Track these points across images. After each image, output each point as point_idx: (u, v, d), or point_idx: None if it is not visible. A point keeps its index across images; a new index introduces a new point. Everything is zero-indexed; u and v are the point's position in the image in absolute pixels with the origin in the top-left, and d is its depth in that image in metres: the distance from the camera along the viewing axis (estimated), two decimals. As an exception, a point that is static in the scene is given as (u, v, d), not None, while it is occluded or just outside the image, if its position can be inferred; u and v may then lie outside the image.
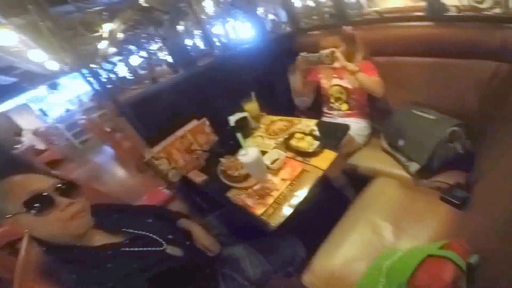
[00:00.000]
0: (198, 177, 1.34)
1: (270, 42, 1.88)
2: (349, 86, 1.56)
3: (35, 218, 0.69)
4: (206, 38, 2.97)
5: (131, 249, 0.82)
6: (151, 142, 1.34)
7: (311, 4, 1.91)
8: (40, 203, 0.69)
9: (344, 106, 1.62)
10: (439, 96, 1.32)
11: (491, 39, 1.07)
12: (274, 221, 0.96)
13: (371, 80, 1.43)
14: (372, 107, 1.67)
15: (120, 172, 4.17)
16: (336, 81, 1.61)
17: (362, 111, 1.64)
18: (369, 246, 1.06)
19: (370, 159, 1.50)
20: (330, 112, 1.70)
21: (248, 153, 0.99)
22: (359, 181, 1.46)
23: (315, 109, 1.92)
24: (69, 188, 0.76)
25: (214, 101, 1.59)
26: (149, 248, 0.85)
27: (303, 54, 1.49)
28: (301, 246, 1.14)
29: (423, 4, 1.30)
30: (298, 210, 0.99)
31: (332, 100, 1.65)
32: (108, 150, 4.78)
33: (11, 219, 0.69)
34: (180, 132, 1.38)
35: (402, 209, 1.16)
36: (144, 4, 1.42)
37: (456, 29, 1.20)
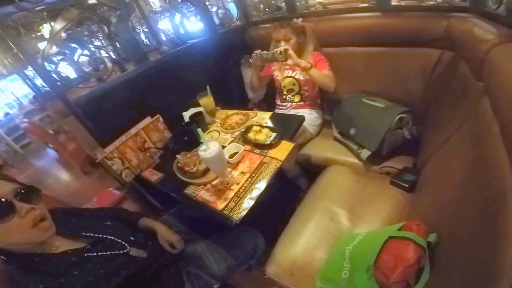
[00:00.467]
0: (154, 176, 1.26)
1: (221, 36, 1.83)
2: (301, 77, 1.59)
3: None
4: (153, 33, 2.83)
5: (95, 253, 0.79)
6: (104, 142, 1.23)
7: None
8: (0, 209, 0.64)
9: (297, 98, 1.65)
10: (387, 85, 1.40)
11: (435, 28, 1.14)
12: (236, 215, 0.94)
13: (323, 75, 1.47)
14: (322, 98, 1.72)
15: (65, 175, 4.02)
16: (288, 72, 1.63)
17: (314, 102, 1.68)
18: (327, 233, 1.08)
19: (322, 149, 1.54)
20: (283, 104, 1.72)
21: (210, 148, 0.95)
22: (311, 170, 1.51)
23: (267, 102, 1.94)
24: (29, 193, 0.70)
25: (166, 97, 1.51)
26: (112, 252, 0.82)
27: (257, 51, 1.49)
28: (260, 238, 1.14)
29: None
30: (257, 202, 0.98)
31: (285, 92, 1.67)
32: (52, 153, 4.64)
33: None
34: (133, 130, 1.28)
35: (356, 195, 1.20)
36: (92, 1, 1.29)
37: (402, 18, 1.27)
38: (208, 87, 1.41)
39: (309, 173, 1.56)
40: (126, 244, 0.87)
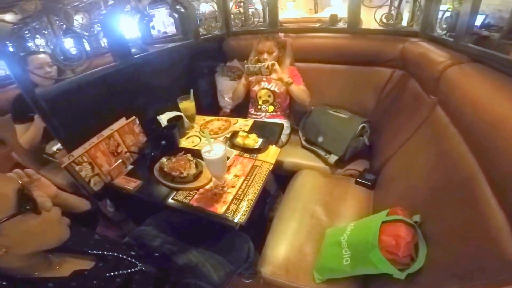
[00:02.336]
0: (131, 183, 1.13)
1: (200, 42, 1.82)
2: (276, 90, 1.71)
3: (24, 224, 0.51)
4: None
5: (111, 273, 0.67)
6: (71, 144, 1.04)
7: (251, 10, 1.98)
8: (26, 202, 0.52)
9: (271, 108, 1.75)
10: (346, 98, 1.64)
11: (392, 50, 1.41)
12: (241, 218, 0.94)
13: (301, 90, 1.61)
14: (291, 109, 1.88)
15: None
16: (264, 84, 1.73)
17: (285, 112, 1.81)
18: (311, 229, 1.17)
19: (292, 155, 1.66)
20: (257, 113, 1.80)
21: (214, 150, 0.93)
22: (280, 175, 1.62)
23: (237, 110, 1.99)
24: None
25: (141, 99, 1.39)
26: (126, 270, 0.71)
27: (246, 64, 1.55)
28: (250, 242, 1.15)
29: (317, 16, 1.62)
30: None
31: (260, 102, 1.76)
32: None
33: None
34: (106, 132, 1.13)
35: (328, 194, 1.34)
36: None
37: (367, 40, 1.52)
38: (192, 90, 1.37)
39: (277, 178, 1.67)
40: (133, 260, 0.77)
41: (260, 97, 1.75)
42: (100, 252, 0.72)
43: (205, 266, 0.98)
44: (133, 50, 1.36)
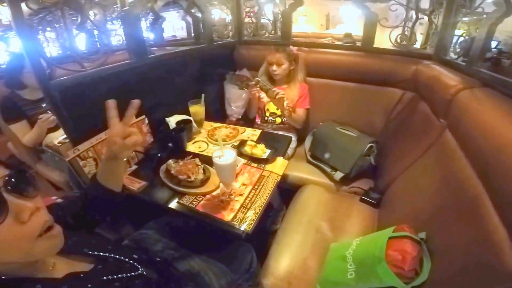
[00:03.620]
0: (135, 183, 1.17)
1: (213, 47, 1.91)
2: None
3: None
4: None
5: (110, 277, 0.64)
6: (77, 138, 1.09)
7: (265, 20, 2.09)
8: None
9: (278, 120, 1.83)
10: (355, 117, 1.73)
11: (405, 71, 1.49)
12: (248, 226, 0.98)
13: (297, 119, 1.72)
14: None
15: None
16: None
17: (291, 126, 1.88)
18: (315, 243, 1.22)
19: (297, 170, 1.72)
20: (264, 124, 1.87)
21: (225, 155, 0.98)
22: (284, 188, 1.66)
23: (244, 119, 2.07)
24: (21, 181, 0.49)
25: (152, 99, 1.45)
26: (126, 274, 0.69)
27: (259, 78, 1.63)
28: (253, 252, 1.19)
29: (329, 33, 1.72)
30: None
31: (267, 114, 1.84)
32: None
33: None
34: (115, 129, 1.18)
35: (333, 210, 1.40)
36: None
37: (380, 60, 1.61)
38: (203, 95, 1.44)
39: (281, 191, 1.72)
40: (136, 264, 0.75)
41: (268, 109, 1.83)
42: (101, 254, 0.70)
43: (207, 274, 1.00)
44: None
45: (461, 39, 1.41)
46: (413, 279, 0.79)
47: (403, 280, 0.79)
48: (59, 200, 0.83)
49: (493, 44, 1.24)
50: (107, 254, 0.71)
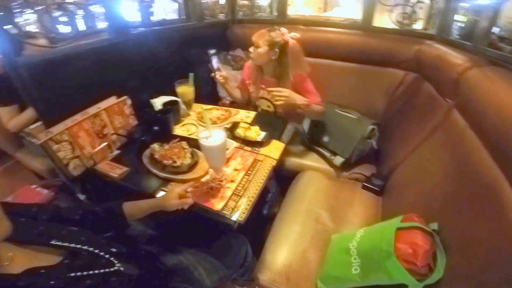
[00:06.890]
0: (116, 170, 1.07)
1: (203, 26, 1.78)
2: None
3: None
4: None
5: (79, 273, 0.57)
6: (50, 120, 0.97)
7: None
8: None
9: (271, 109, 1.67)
10: (355, 98, 1.63)
11: (406, 51, 1.42)
12: (241, 216, 0.89)
13: (317, 110, 1.40)
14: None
15: None
16: (263, 93, 1.55)
17: (287, 114, 1.72)
18: (315, 234, 1.13)
19: (295, 155, 1.62)
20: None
21: (213, 136, 0.86)
22: (281, 175, 1.54)
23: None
24: None
25: (135, 79, 1.33)
26: (99, 270, 0.61)
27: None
28: (248, 244, 1.09)
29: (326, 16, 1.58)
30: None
31: (259, 111, 1.62)
32: None
33: None
34: (92, 110, 1.05)
35: (334, 198, 1.31)
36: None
37: (380, 39, 1.52)
38: (191, 74, 1.31)
39: (278, 177, 1.61)
40: (112, 259, 0.67)
41: (259, 106, 1.63)
42: (72, 245, 0.62)
43: (197, 269, 0.92)
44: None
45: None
46: (427, 276, 0.71)
47: (416, 277, 0.70)
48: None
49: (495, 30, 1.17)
50: (79, 247, 0.63)
